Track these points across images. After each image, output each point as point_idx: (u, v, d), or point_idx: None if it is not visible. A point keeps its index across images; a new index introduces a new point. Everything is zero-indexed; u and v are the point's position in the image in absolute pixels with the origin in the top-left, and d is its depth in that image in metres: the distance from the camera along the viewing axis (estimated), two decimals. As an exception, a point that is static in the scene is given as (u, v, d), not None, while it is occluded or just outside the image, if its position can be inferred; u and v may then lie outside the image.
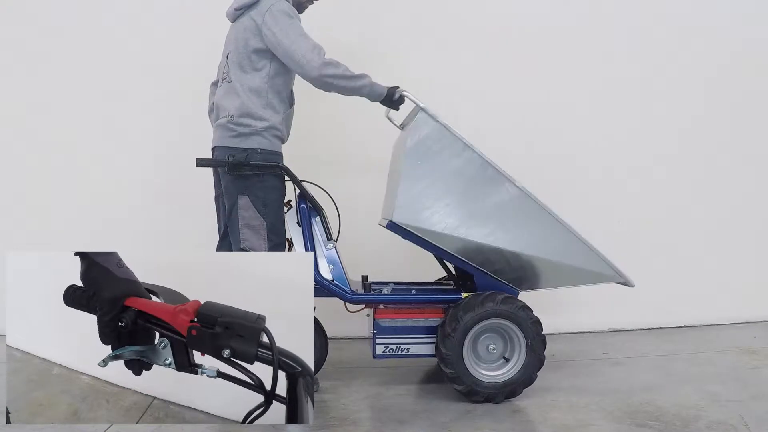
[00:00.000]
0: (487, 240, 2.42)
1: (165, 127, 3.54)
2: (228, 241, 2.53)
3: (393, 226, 2.42)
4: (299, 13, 2.59)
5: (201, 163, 2.46)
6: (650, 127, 3.74)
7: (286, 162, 2.57)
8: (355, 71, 2.42)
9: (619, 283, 2.62)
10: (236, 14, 2.50)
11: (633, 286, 2.56)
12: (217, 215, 2.64)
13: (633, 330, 3.65)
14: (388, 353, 2.49)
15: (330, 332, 2.74)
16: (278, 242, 2.45)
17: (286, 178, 2.55)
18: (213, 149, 2.50)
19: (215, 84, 2.65)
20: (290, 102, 2.56)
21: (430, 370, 2.86)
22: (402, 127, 2.74)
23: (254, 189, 2.40)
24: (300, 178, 2.56)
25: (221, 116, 2.45)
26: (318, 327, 2.65)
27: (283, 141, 2.55)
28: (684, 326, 3.73)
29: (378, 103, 2.53)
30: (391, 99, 2.51)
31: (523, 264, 2.47)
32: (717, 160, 3.79)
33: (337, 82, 2.39)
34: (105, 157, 3.54)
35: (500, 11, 3.65)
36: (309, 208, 2.58)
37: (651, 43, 3.73)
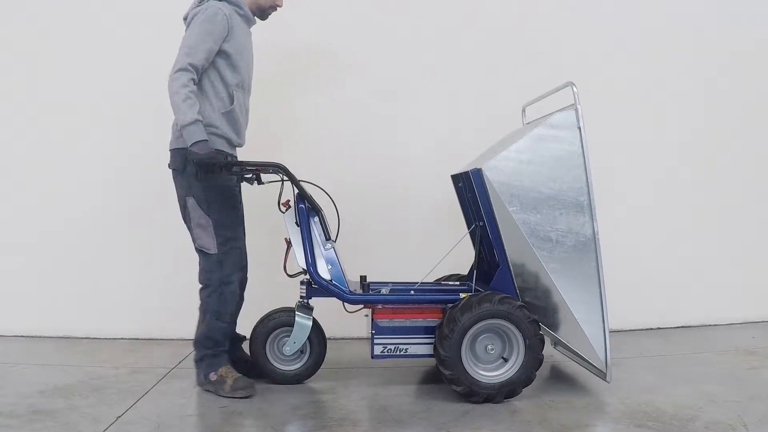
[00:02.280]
0: (534, 254, 2.40)
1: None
2: None
3: (476, 174, 2.42)
4: (262, 19, 2.69)
5: (199, 163, 2.47)
6: (650, 128, 3.74)
7: (285, 162, 2.57)
8: (185, 106, 2.32)
9: (597, 375, 2.53)
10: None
11: (608, 382, 2.48)
12: None
13: (632, 330, 3.65)
14: (386, 353, 2.49)
15: (328, 332, 2.73)
16: (229, 236, 2.51)
17: (285, 178, 2.55)
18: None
19: None
20: (230, 100, 2.52)
21: (429, 370, 2.85)
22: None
23: (195, 190, 2.47)
24: (299, 178, 2.57)
25: None
26: (316, 327, 2.65)
27: (229, 140, 2.54)
28: (682, 326, 3.73)
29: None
30: (194, 156, 2.33)
31: (548, 298, 2.44)
32: (716, 160, 3.79)
33: (170, 98, 2.35)
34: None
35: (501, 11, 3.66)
36: (307, 208, 2.58)
37: (652, 44, 3.73)
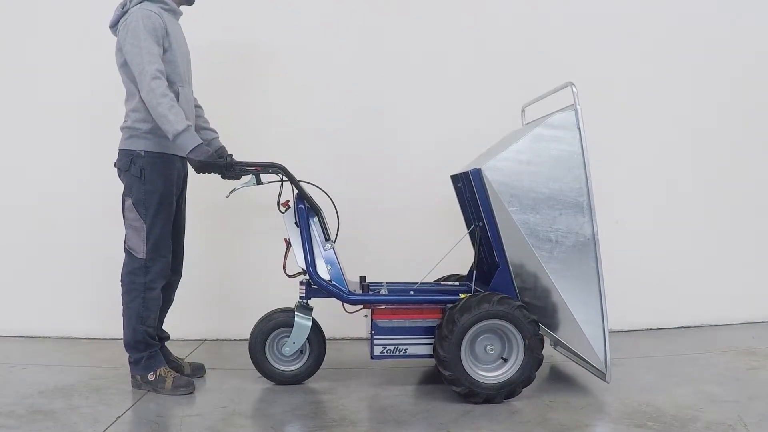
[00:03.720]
0: (534, 254, 2.40)
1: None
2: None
3: (476, 174, 2.42)
4: (189, 4, 2.64)
5: (200, 163, 2.48)
6: (650, 128, 3.74)
7: (285, 162, 2.57)
8: (172, 114, 2.32)
9: (597, 375, 2.53)
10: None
11: (608, 383, 2.48)
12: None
13: (631, 330, 3.65)
14: (386, 354, 2.49)
15: (328, 333, 2.74)
16: (160, 244, 2.51)
17: (284, 178, 2.55)
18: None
19: None
20: (176, 97, 2.50)
21: (428, 370, 2.85)
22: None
23: (135, 191, 2.48)
24: (298, 179, 2.57)
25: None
26: (316, 327, 2.65)
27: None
28: (682, 327, 3.73)
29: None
30: (195, 163, 2.35)
31: (548, 299, 2.44)
32: (717, 160, 3.79)
33: (151, 110, 2.36)
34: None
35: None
36: (307, 209, 2.58)
37: (652, 44, 3.73)
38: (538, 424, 2.18)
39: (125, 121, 2.53)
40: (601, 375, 2.44)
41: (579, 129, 2.41)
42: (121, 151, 2.53)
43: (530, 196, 2.40)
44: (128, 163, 2.48)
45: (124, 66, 2.47)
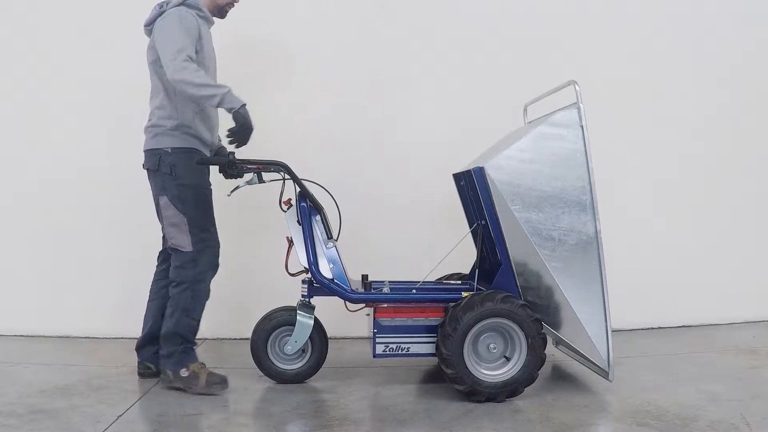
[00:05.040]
0: (536, 253, 2.40)
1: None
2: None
3: (479, 172, 2.41)
4: (221, 17, 2.70)
5: (201, 161, 2.52)
6: (652, 126, 3.73)
7: (287, 160, 2.56)
8: (211, 80, 2.40)
9: (600, 374, 2.52)
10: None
11: (611, 381, 2.46)
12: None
13: (633, 330, 3.64)
14: (388, 353, 2.49)
15: (330, 332, 2.73)
16: (203, 235, 2.52)
17: (287, 176, 2.55)
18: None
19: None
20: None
21: (430, 369, 2.85)
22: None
23: (169, 188, 2.48)
24: (301, 177, 2.56)
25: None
26: (318, 326, 2.64)
27: (203, 140, 2.56)
28: (683, 326, 3.73)
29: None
30: (244, 120, 2.39)
31: (551, 297, 2.43)
32: (718, 160, 3.79)
33: (186, 88, 2.36)
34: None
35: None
36: (309, 207, 2.58)
37: (655, 42, 3.73)
38: (541, 423, 2.18)
39: (149, 120, 2.54)
40: (604, 374, 2.44)
41: (582, 127, 2.41)
42: (147, 151, 2.53)
43: (533, 195, 2.40)
44: (157, 162, 2.48)
45: (155, 63, 2.49)
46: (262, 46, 3.54)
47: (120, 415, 2.23)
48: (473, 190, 2.60)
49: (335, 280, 2.54)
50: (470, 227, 2.85)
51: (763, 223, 3.83)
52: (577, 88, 2.42)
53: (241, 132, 2.40)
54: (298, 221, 2.56)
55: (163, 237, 2.67)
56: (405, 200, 3.55)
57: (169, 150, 2.48)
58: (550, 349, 2.47)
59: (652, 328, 3.70)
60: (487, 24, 3.63)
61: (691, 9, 3.76)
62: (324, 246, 2.57)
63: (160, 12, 2.52)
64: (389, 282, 2.82)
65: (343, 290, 2.52)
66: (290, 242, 2.60)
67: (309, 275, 2.57)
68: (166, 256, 2.68)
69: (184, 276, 2.50)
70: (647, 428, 2.11)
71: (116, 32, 3.45)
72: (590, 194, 2.41)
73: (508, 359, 2.43)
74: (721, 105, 3.79)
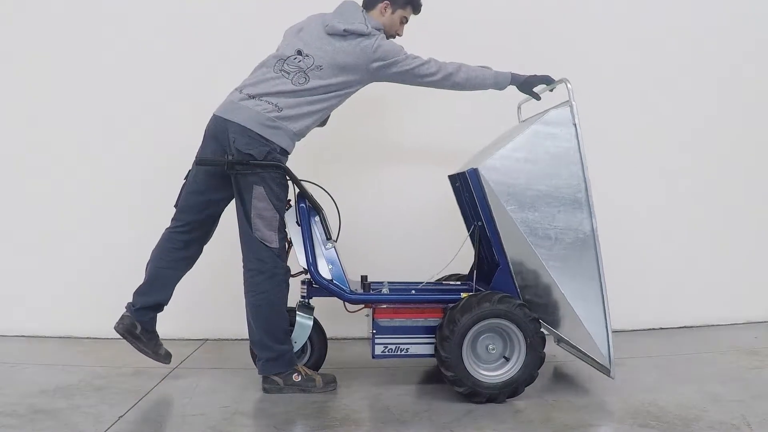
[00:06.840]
0: (533, 252, 2.39)
1: (162, 126, 3.53)
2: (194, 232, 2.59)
3: (473, 174, 2.41)
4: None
5: (201, 161, 2.51)
6: (648, 125, 3.73)
7: (286, 161, 2.57)
8: (479, 71, 2.62)
9: (602, 371, 2.51)
10: (339, 32, 2.55)
11: (612, 378, 2.45)
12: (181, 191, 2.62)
13: (633, 330, 3.64)
14: (387, 353, 2.48)
15: (329, 332, 2.73)
16: (285, 234, 2.53)
17: (286, 177, 2.55)
18: (222, 121, 2.46)
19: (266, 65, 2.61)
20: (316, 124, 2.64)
21: (430, 370, 2.85)
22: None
23: (269, 181, 2.44)
24: (300, 178, 2.56)
25: (263, 101, 2.46)
26: (317, 327, 2.64)
27: (286, 150, 2.56)
28: (684, 327, 3.72)
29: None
30: (530, 87, 2.63)
31: (549, 296, 2.43)
32: (717, 159, 3.79)
33: (466, 83, 2.62)
34: (100, 157, 3.53)
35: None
36: (308, 208, 2.58)
37: (648, 40, 3.73)
38: (542, 423, 2.17)
39: (275, 106, 2.46)
40: (606, 371, 2.43)
41: (575, 125, 2.41)
42: (256, 135, 2.42)
43: (528, 194, 2.40)
44: (265, 154, 2.42)
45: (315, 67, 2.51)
46: (262, 46, 3.55)
47: (121, 416, 2.23)
48: (468, 191, 2.60)
49: (334, 281, 2.54)
50: (467, 228, 2.85)
51: (764, 223, 3.82)
52: (569, 86, 2.42)
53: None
54: (297, 222, 2.57)
55: (190, 209, 2.58)
56: (405, 200, 3.55)
57: (278, 149, 2.46)
58: (551, 350, 2.46)
59: (653, 329, 3.69)
60: (483, 22, 3.62)
61: (687, 6, 3.75)
62: (323, 247, 2.57)
63: (369, 31, 2.55)
64: (388, 283, 2.82)
65: (342, 291, 2.52)
66: (289, 243, 2.60)
67: (308, 276, 2.57)
68: (193, 227, 2.58)
69: (276, 270, 2.44)
70: (648, 429, 2.10)
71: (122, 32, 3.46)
72: (585, 192, 2.41)
73: (507, 359, 2.42)
74: (720, 105, 3.78)
